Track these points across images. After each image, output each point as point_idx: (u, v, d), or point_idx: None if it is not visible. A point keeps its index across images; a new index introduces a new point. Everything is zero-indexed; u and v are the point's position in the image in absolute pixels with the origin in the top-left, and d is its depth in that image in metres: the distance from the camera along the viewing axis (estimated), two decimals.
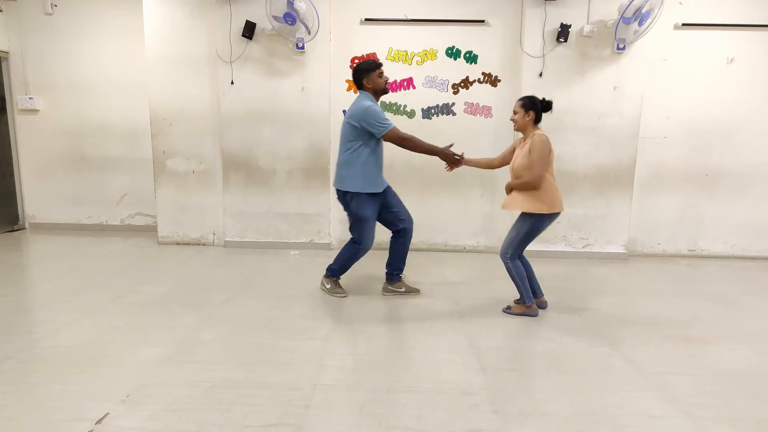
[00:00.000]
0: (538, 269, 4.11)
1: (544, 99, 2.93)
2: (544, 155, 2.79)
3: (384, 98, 4.04)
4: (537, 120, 2.91)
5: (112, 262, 4.12)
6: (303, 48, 4.36)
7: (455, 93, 4.55)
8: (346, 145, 3.09)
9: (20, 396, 1.99)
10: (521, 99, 2.94)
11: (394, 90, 4.52)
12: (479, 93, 4.54)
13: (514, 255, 2.95)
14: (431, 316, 2.98)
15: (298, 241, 4.72)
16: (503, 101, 4.53)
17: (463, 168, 4.55)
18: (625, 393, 2.11)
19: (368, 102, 3.02)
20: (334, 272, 3.35)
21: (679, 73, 4.45)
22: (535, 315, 3.02)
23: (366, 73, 3.05)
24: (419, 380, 2.18)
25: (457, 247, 4.75)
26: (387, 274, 3.40)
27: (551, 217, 2.87)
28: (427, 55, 4.50)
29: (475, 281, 3.79)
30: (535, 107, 2.88)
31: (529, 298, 3.00)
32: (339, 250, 3.33)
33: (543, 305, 3.14)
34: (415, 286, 3.44)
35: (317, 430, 1.79)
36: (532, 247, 4.49)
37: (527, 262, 3.09)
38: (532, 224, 2.86)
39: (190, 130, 4.67)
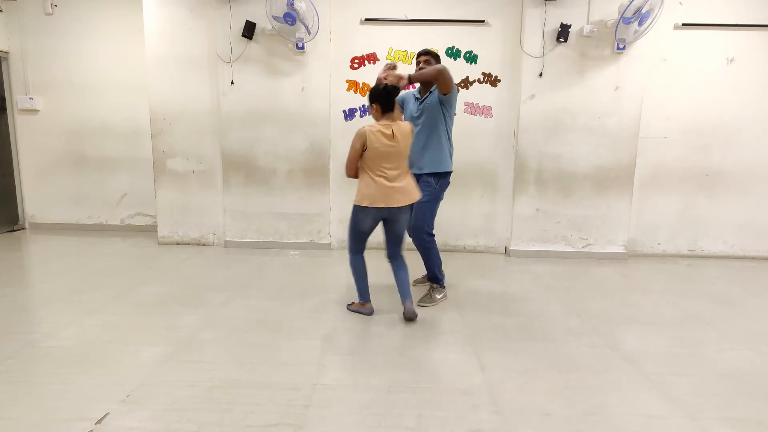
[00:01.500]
0: (539, 269, 4.15)
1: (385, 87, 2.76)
2: None
3: None
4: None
5: (112, 262, 4.12)
6: (303, 48, 4.36)
7: None
8: None
9: (20, 396, 1.99)
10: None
11: None
12: (479, 93, 4.54)
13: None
14: (431, 316, 2.98)
15: (298, 241, 4.72)
16: (503, 101, 4.53)
17: (463, 168, 4.59)
18: (625, 393, 2.11)
19: None
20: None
21: (679, 73, 4.45)
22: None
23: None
24: (419, 380, 2.18)
25: (457, 247, 4.75)
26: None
27: None
28: None
29: (475, 281, 3.79)
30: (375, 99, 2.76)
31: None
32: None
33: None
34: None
35: (317, 430, 1.79)
36: (532, 246, 4.57)
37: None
38: None
39: (190, 130, 4.67)
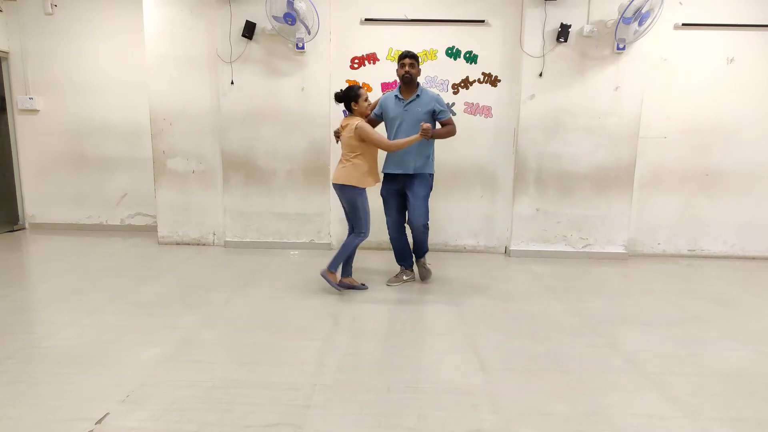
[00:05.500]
0: (539, 269, 4.15)
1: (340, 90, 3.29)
2: None
3: None
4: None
5: (112, 262, 4.12)
6: (303, 48, 4.36)
7: (455, 93, 4.55)
8: None
9: (20, 396, 1.99)
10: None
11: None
12: (479, 93, 4.54)
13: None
14: (431, 316, 2.98)
15: (298, 241, 4.72)
16: (503, 101, 4.53)
17: (463, 168, 4.61)
18: (625, 393, 2.11)
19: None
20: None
21: (679, 73, 4.45)
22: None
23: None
24: (419, 380, 2.18)
25: (457, 247, 4.75)
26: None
27: None
28: (427, 55, 4.50)
29: (474, 281, 3.79)
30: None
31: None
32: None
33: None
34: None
35: (317, 430, 1.79)
36: (532, 246, 4.57)
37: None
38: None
39: (190, 130, 4.67)
